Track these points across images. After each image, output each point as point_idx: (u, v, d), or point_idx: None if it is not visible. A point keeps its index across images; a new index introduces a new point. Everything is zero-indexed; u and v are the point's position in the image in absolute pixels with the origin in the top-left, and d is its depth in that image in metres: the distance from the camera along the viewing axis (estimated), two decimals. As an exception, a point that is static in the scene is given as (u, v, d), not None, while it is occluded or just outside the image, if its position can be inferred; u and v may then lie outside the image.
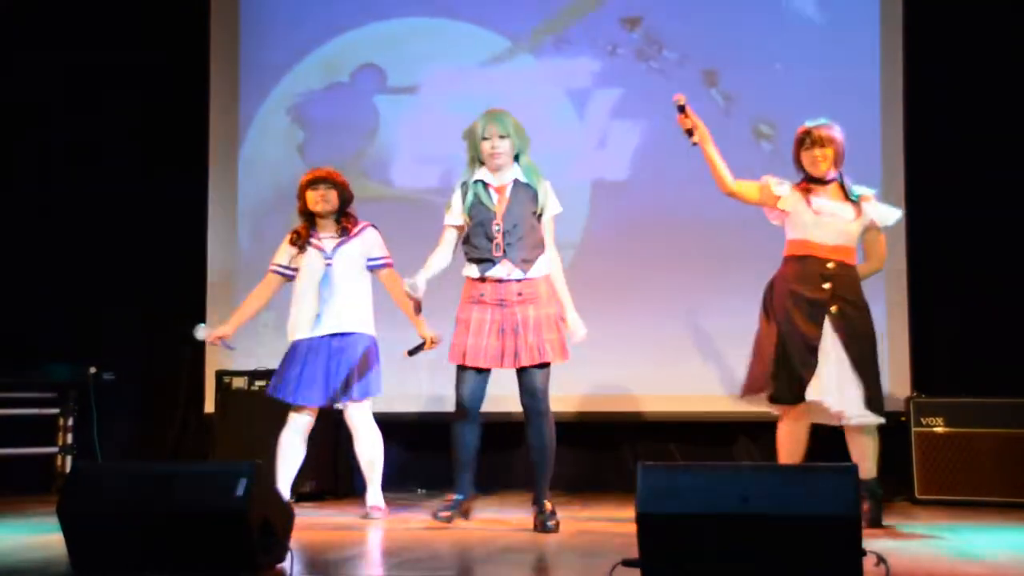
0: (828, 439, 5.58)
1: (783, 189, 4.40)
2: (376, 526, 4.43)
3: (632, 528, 2.79)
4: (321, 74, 6.39)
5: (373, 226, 4.89)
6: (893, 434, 5.43)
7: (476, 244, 4.22)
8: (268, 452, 4.99)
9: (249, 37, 6.49)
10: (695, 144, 4.36)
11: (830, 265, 4.28)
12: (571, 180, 6.04)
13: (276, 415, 5.32)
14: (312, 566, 3.35)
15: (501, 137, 4.21)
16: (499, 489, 5.79)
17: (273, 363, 5.59)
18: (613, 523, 4.42)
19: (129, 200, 6.51)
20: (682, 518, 2.75)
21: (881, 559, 2.73)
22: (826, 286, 4.26)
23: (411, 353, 4.58)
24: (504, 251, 4.18)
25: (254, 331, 6.05)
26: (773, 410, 4.39)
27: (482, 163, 4.26)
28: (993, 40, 5.64)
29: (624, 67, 6.04)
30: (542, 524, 4.12)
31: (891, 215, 4.41)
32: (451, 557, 3.56)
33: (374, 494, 4.74)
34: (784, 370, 4.25)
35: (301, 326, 4.76)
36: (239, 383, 5.50)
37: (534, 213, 4.24)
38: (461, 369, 4.20)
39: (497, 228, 4.18)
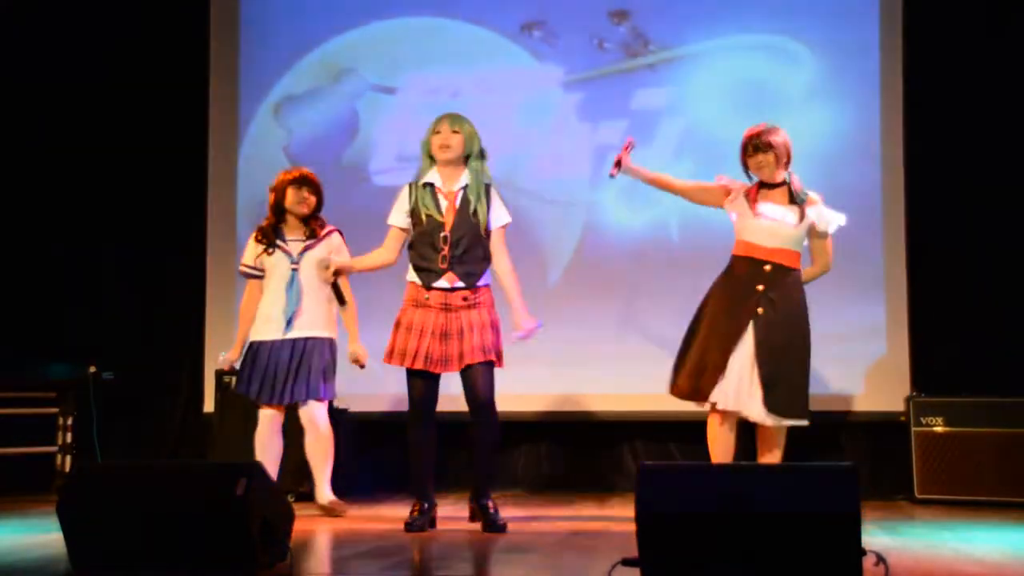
0: (828, 439, 5.60)
1: (734, 189, 4.49)
2: (371, 524, 4.42)
3: (632, 528, 2.79)
4: (321, 73, 6.39)
5: (339, 231, 4.90)
6: (893, 434, 5.45)
7: (422, 253, 4.16)
8: (268, 451, 5.01)
9: (249, 36, 6.50)
10: (612, 176, 4.45)
11: (767, 268, 4.34)
12: (571, 179, 6.06)
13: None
14: (312, 566, 3.35)
15: (453, 132, 4.16)
16: (497, 489, 5.79)
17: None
18: (613, 523, 4.42)
19: (129, 199, 6.52)
20: (682, 518, 2.75)
21: (881, 558, 2.73)
22: (759, 287, 4.33)
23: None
24: (450, 263, 4.12)
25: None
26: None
27: (433, 162, 4.20)
28: (993, 39, 5.64)
29: (612, 62, 6.05)
30: (491, 524, 4.08)
31: (834, 220, 4.44)
32: (451, 557, 3.56)
33: (327, 489, 4.77)
34: (695, 367, 4.35)
35: (264, 327, 4.77)
36: (239, 383, 5.48)
37: (481, 224, 4.17)
38: (411, 373, 4.14)
39: (445, 239, 4.12)
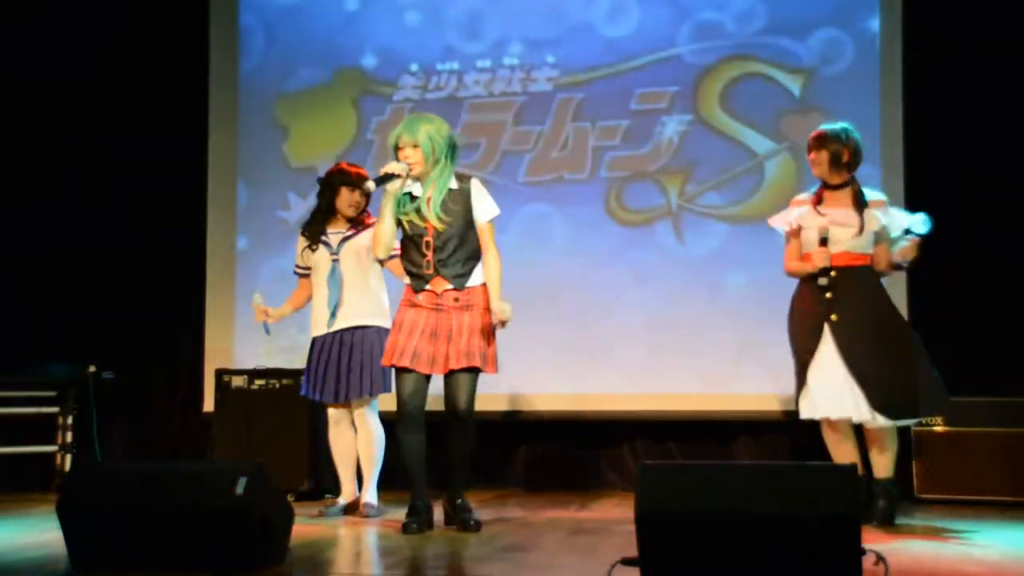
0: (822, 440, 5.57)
1: (785, 218, 4.45)
2: (370, 524, 4.42)
3: (632, 527, 2.79)
4: (321, 73, 6.39)
5: None
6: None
7: (410, 258, 4.14)
8: (268, 451, 5.01)
9: (249, 35, 6.50)
10: (823, 285, 4.30)
11: (832, 274, 4.30)
12: (572, 177, 6.06)
13: (276, 414, 5.34)
14: (312, 566, 3.35)
15: (413, 148, 4.08)
16: (498, 488, 5.79)
17: (272, 362, 5.61)
18: (613, 523, 4.42)
19: (129, 199, 6.52)
20: (682, 517, 2.75)
21: (880, 558, 2.74)
22: (828, 296, 4.29)
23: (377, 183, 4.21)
24: (436, 268, 4.09)
25: (254, 330, 6.05)
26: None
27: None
28: (993, 38, 5.63)
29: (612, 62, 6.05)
30: (465, 523, 4.08)
31: (898, 222, 4.38)
32: (450, 556, 3.56)
33: (369, 491, 4.74)
34: (799, 388, 4.34)
35: (317, 323, 4.78)
36: (238, 382, 5.49)
37: (469, 221, 4.12)
38: (398, 372, 4.10)
39: (427, 244, 4.09)
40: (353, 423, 4.78)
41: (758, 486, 2.77)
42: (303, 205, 6.07)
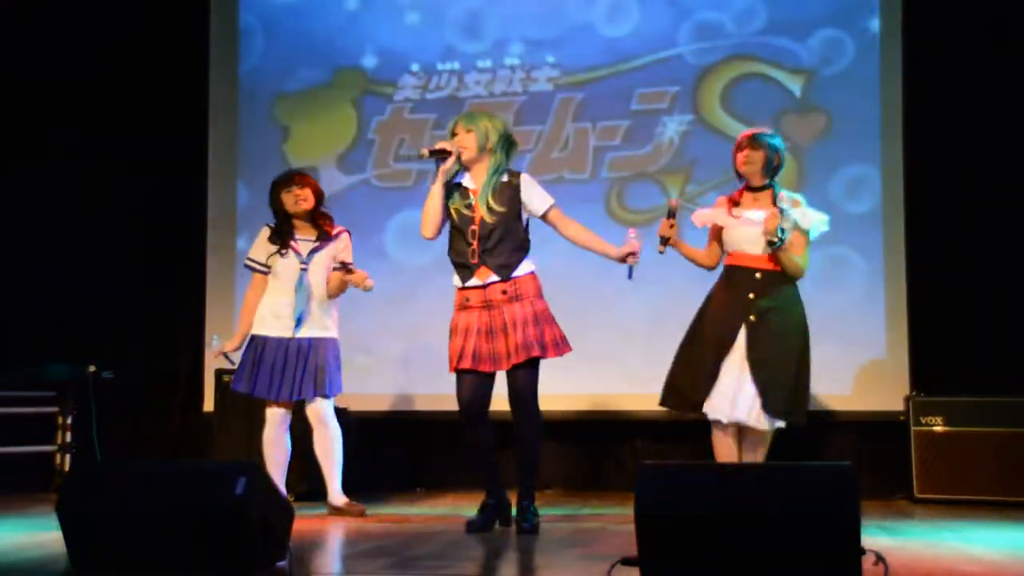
0: (827, 439, 5.60)
1: (713, 214, 4.52)
2: (367, 524, 4.42)
3: (632, 527, 2.79)
4: (321, 73, 6.39)
5: (347, 232, 4.90)
6: (893, 433, 5.45)
7: (456, 248, 4.18)
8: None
9: (249, 35, 6.51)
10: (661, 252, 4.46)
11: (757, 275, 4.36)
12: (573, 178, 6.06)
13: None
14: (311, 565, 3.35)
15: (467, 132, 4.15)
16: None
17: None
18: (613, 523, 4.42)
19: (129, 199, 6.52)
20: (681, 518, 2.75)
21: (880, 558, 2.73)
22: (750, 295, 4.34)
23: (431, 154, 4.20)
24: (480, 258, 4.11)
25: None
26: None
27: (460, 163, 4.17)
28: (993, 38, 5.64)
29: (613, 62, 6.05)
30: (518, 524, 4.11)
31: (817, 220, 4.41)
32: (450, 556, 3.56)
33: (337, 492, 4.76)
34: (686, 377, 4.38)
35: (269, 323, 4.76)
36: (238, 382, 5.48)
37: (516, 214, 4.16)
38: (460, 373, 4.12)
39: (473, 233, 4.12)
40: (296, 424, 4.79)
41: (758, 486, 2.77)
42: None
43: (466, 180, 4.20)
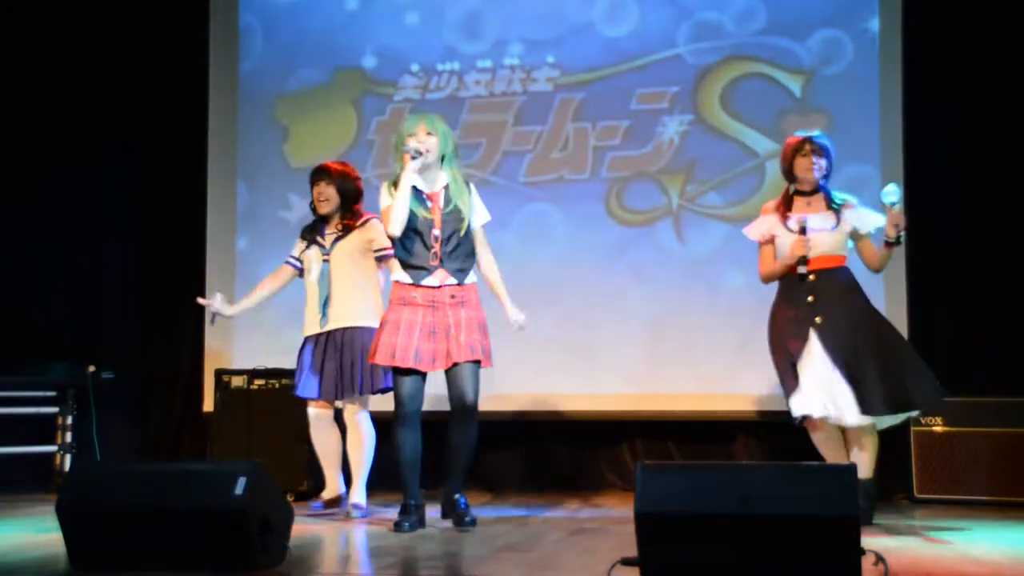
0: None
1: (759, 230, 4.46)
2: (365, 524, 4.42)
3: (631, 527, 2.79)
4: (321, 73, 6.39)
5: (376, 218, 4.86)
6: (892, 433, 5.44)
7: (411, 250, 4.17)
8: (267, 451, 5.02)
9: (249, 35, 6.51)
10: (804, 272, 4.31)
11: (811, 278, 4.32)
12: (573, 178, 6.06)
13: (275, 414, 5.34)
14: (311, 565, 3.35)
15: (428, 134, 4.16)
16: (497, 488, 5.79)
17: (272, 363, 5.61)
18: (613, 523, 4.42)
19: (128, 198, 6.52)
20: (681, 518, 2.75)
21: (880, 558, 2.74)
22: (809, 299, 4.32)
23: None
24: (441, 260, 4.15)
25: (253, 330, 6.06)
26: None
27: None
28: (993, 38, 5.63)
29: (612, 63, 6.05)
30: (460, 520, 4.12)
31: (872, 220, 4.41)
32: (449, 556, 3.56)
33: (357, 492, 4.75)
34: (791, 392, 4.32)
35: (308, 323, 4.79)
36: (238, 382, 5.49)
37: (466, 222, 4.19)
38: (396, 372, 4.15)
39: (436, 237, 4.14)
40: (336, 422, 4.79)
41: (758, 486, 2.77)
42: (303, 205, 6.03)
43: (418, 183, 4.20)
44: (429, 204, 4.17)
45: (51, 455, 6.00)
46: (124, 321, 6.43)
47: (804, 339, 4.29)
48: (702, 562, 2.74)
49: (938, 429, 5.21)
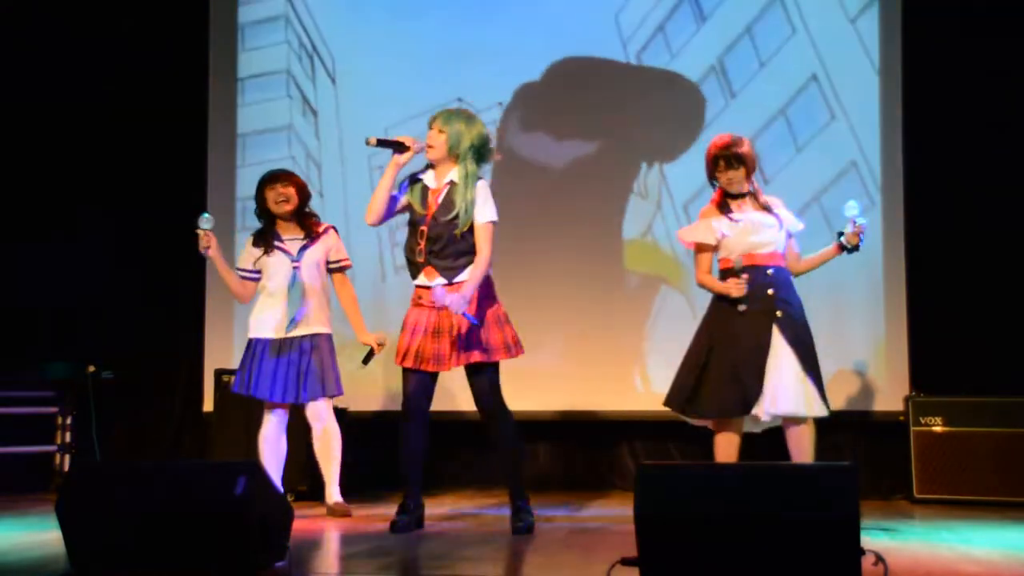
0: (827, 439, 5.58)
1: (710, 231, 4.42)
2: (364, 524, 4.42)
3: (631, 527, 2.79)
4: (318, 72, 6.39)
5: (334, 228, 4.91)
6: (892, 433, 5.45)
7: (408, 245, 4.21)
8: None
9: (249, 35, 6.51)
10: (743, 311, 4.29)
11: (770, 271, 4.33)
12: (574, 181, 6.07)
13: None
14: (311, 566, 3.35)
15: (439, 132, 4.14)
16: (497, 489, 5.79)
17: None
18: (613, 523, 4.42)
19: (128, 198, 6.52)
20: (681, 517, 2.75)
21: (879, 558, 2.74)
22: (770, 291, 4.31)
23: (364, 362, 4.64)
24: (426, 258, 4.12)
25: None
26: (696, 423, 4.43)
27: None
28: (993, 38, 5.63)
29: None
30: (513, 525, 4.10)
31: (794, 221, 4.45)
32: (449, 556, 3.56)
33: (335, 490, 4.77)
34: (723, 383, 4.27)
35: (266, 325, 4.77)
36: (238, 382, 5.49)
37: (463, 221, 4.09)
38: (404, 371, 4.15)
39: (422, 233, 4.13)
40: (298, 424, 4.82)
41: (758, 486, 2.77)
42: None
43: (428, 178, 4.20)
44: (430, 200, 4.16)
45: (51, 455, 6.00)
46: (124, 321, 6.43)
47: (768, 332, 4.24)
48: (702, 562, 2.74)
49: (938, 429, 5.21)
